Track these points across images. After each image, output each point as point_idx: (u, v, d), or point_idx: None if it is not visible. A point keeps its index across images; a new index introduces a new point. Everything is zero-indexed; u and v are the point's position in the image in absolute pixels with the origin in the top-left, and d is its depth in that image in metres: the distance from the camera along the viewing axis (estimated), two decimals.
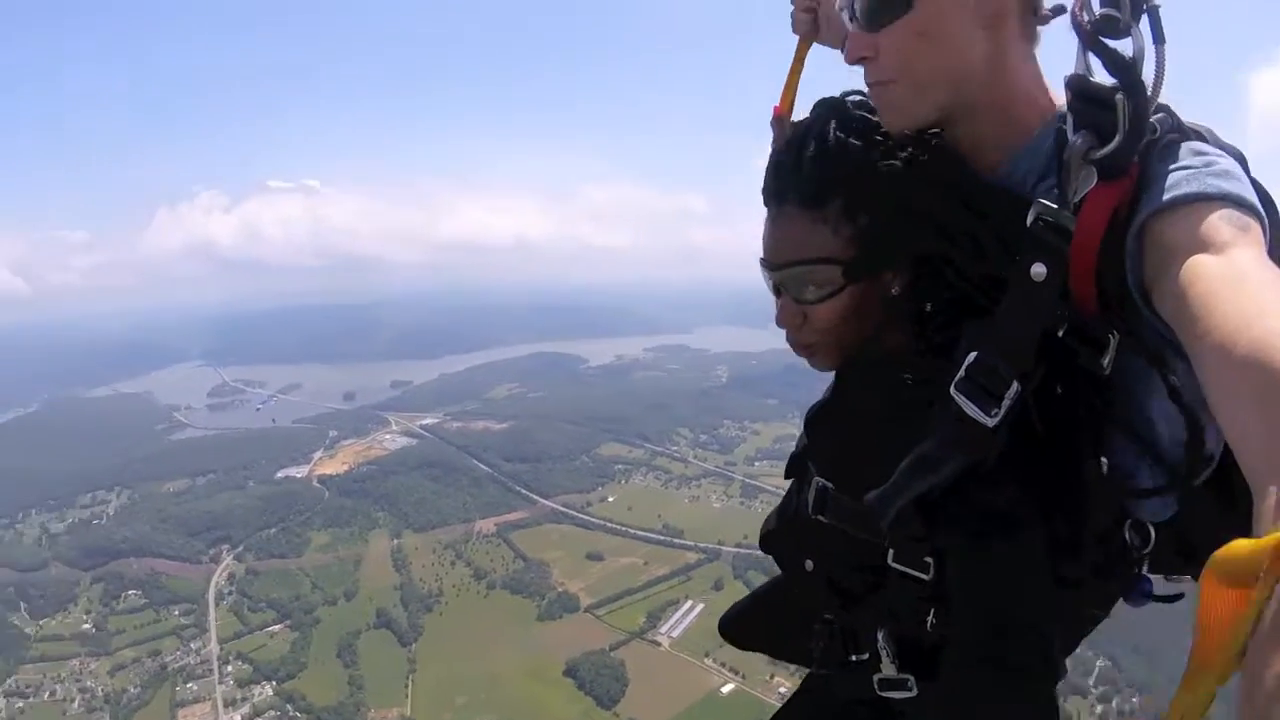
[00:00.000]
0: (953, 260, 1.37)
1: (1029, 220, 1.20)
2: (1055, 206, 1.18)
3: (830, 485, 1.58)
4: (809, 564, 1.70)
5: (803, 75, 1.96)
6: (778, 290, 1.50)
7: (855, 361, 1.55)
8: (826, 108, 1.45)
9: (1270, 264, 1.00)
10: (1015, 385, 1.22)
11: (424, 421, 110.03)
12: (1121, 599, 1.61)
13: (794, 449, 1.82)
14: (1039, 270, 1.18)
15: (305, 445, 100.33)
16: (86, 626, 62.58)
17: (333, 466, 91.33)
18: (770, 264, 1.47)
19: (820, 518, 1.59)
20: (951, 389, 1.26)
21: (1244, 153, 1.23)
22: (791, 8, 2.00)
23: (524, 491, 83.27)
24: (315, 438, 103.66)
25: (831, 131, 1.39)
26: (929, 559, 1.38)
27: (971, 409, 1.24)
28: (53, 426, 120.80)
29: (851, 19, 1.38)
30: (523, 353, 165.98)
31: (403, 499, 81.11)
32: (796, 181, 1.41)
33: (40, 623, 63.18)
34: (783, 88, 1.95)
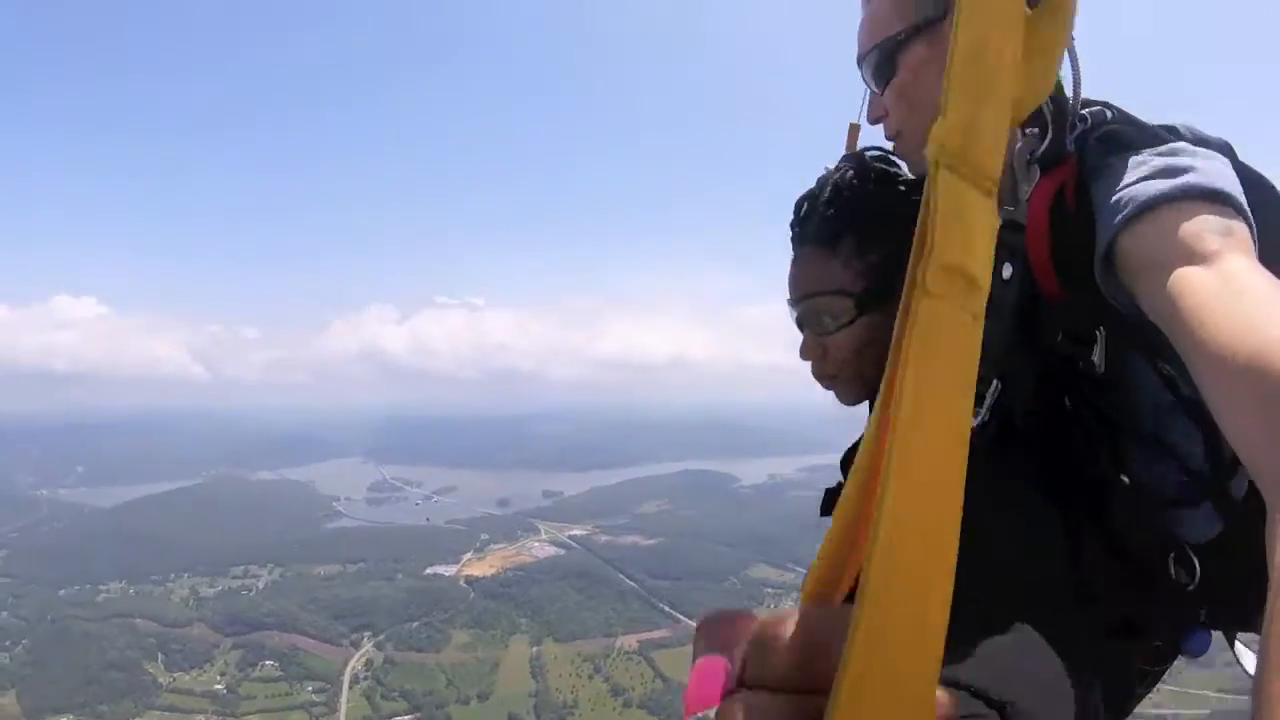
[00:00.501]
0: None
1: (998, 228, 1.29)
2: (1012, 209, 1.21)
3: None
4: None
5: None
6: (800, 325, 1.57)
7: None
8: (846, 160, 1.56)
9: (1259, 268, 0.97)
10: (995, 384, 1.23)
11: (573, 532, 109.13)
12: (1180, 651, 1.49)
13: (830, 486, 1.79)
14: (1007, 271, 1.21)
15: (456, 545, 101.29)
16: (218, 687, 63.92)
17: (481, 568, 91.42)
18: (790, 300, 1.57)
19: None
20: None
21: (1229, 142, 1.20)
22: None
23: (669, 610, 79.41)
24: (466, 539, 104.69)
25: (847, 179, 1.50)
26: None
27: None
28: (215, 500, 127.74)
29: (869, 85, 1.55)
30: (674, 469, 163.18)
31: (546, 607, 79.47)
32: (812, 224, 1.51)
33: (174, 675, 65.25)
34: None
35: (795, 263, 1.55)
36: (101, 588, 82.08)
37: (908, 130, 1.47)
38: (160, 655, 67.47)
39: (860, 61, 1.52)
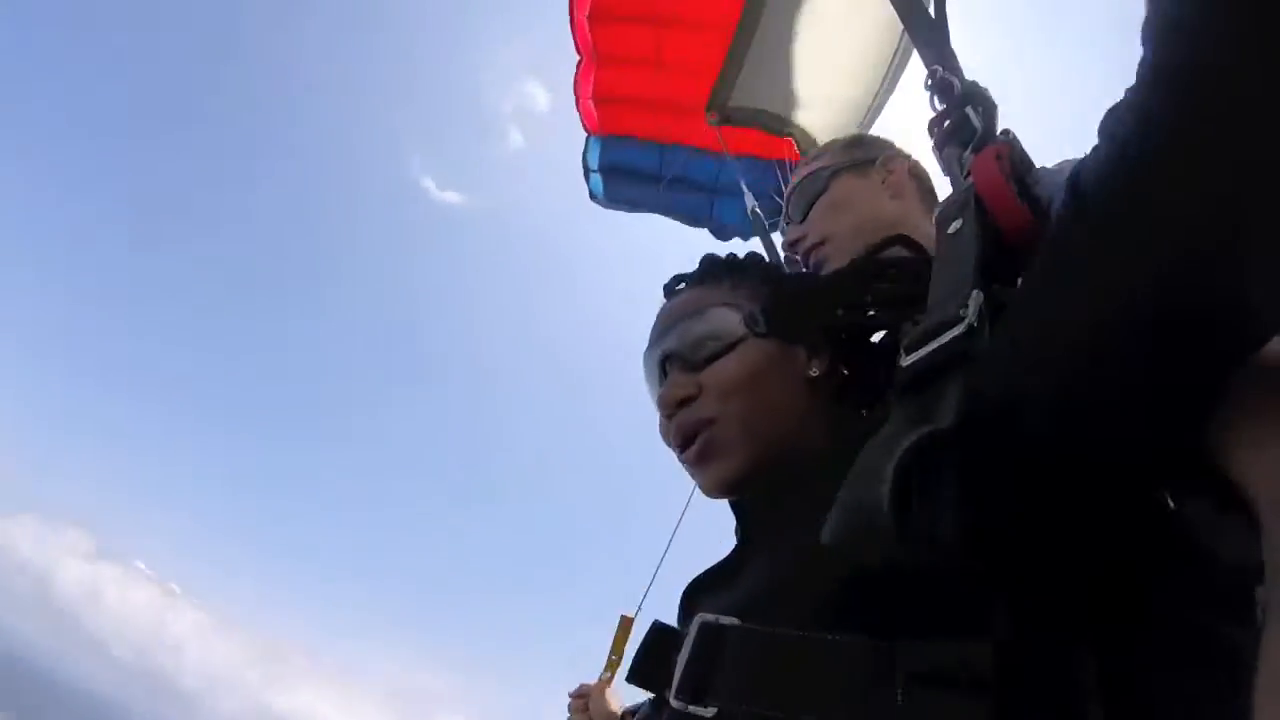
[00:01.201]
0: (870, 327, 1.10)
1: (934, 219, 0.98)
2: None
3: (737, 620, 0.85)
4: None
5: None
6: (663, 369, 1.14)
7: (771, 478, 1.04)
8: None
9: None
10: (976, 293, 0.81)
11: None
12: None
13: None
14: (954, 226, 0.94)
15: None
16: None
17: None
18: (654, 337, 1.18)
19: (699, 711, 0.81)
20: (899, 362, 0.82)
21: None
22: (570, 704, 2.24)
23: None
24: None
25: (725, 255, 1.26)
26: None
27: (928, 348, 0.80)
28: None
29: (788, 220, 1.79)
30: None
31: None
32: (691, 275, 1.22)
33: None
34: None
35: (664, 307, 1.21)
36: None
37: (836, 233, 1.64)
38: None
39: (793, 191, 1.76)
